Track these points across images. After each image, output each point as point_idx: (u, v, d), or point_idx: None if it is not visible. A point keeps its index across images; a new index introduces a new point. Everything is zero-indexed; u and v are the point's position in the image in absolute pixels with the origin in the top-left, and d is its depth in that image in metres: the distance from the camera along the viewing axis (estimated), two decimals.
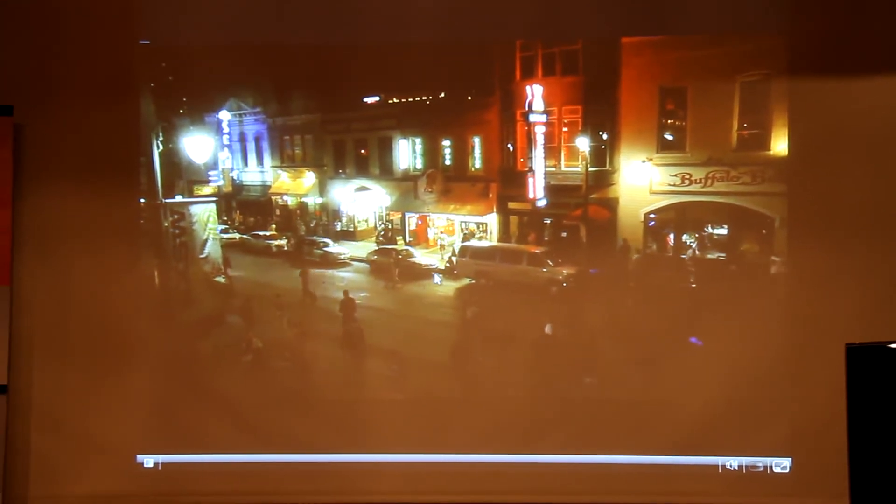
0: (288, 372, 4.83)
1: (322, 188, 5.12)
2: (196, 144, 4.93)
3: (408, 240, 5.11)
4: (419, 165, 5.04)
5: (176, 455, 4.71)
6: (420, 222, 5.15)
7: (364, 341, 4.80)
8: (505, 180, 4.94)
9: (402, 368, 4.77)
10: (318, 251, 5.07)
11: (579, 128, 4.83)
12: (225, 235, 5.03)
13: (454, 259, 5.01)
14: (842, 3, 4.60)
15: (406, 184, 5.06)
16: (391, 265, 5.00)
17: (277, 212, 5.17)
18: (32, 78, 4.72)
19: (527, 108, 4.83)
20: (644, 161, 4.76)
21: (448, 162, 5.03)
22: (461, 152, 5.01)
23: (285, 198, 5.19)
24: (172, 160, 4.89)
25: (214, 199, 5.02)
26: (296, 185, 5.17)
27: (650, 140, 4.75)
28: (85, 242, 4.72)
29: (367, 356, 4.80)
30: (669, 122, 4.77)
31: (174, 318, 4.83)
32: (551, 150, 4.84)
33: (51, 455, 4.66)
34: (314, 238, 5.10)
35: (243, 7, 4.77)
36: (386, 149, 5.05)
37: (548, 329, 4.72)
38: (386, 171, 5.09)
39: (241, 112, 5.01)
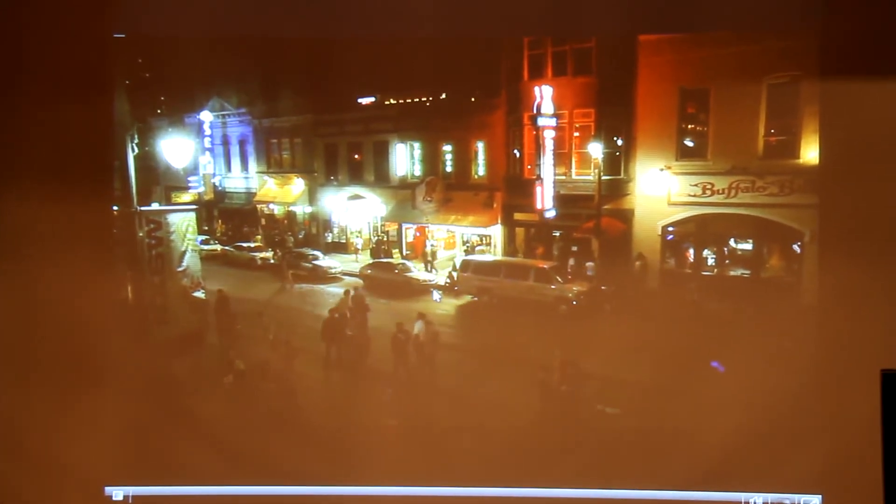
0: (273, 395, 4.60)
1: (312, 196, 5.07)
2: (175, 147, 4.82)
3: (404, 253, 5.05)
4: (418, 172, 4.98)
5: (149, 487, 4.48)
6: (418, 234, 5.06)
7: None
8: (511, 189, 4.86)
9: (396, 392, 4.58)
10: (307, 265, 4.98)
11: (592, 133, 4.71)
12: (205, 247, 4.90)
13: (454, 274, 4.88)
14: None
15: (403, 192, 4.97)
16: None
17: (263, 221, 5.14)
18: None
19: (535, 111, 4.72)
20: (662, 169, 4.63)
21: (449, 169, 4.97)
22: (463, 158, 4.95)
23: (272, 206, 5.15)
24: (149, 164, 4.75)
25: (194, 207, 4.92)
26: (283, 193, 5.13)
27: (669, 146, 4.63)
28: (51, 253, 4.48)
29: (359, 378, 4.63)
30: (690, 126, 4.65)
31: (148, 335, 4.63)
32: (561, 157, 4.75)
33: (8, 485, 4.41)
34: (303, 250, 5.03)
35: None
36: (382, 154, 5.00)
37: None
38: (382, 178, 5.03)
39: (225, 112, 4.93)
